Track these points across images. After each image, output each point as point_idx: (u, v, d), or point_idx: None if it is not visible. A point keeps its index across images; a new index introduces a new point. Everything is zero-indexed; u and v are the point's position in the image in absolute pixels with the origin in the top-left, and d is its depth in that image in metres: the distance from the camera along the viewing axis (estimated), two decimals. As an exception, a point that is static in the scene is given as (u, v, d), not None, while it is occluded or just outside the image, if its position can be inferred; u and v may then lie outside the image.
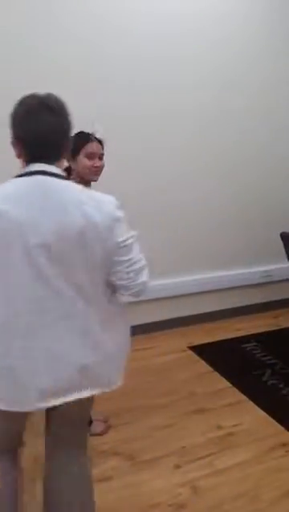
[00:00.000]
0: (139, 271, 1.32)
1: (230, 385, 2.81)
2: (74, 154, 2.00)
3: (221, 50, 3.36)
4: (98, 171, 2.06)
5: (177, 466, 2.12)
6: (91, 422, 2.32)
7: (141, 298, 3.06)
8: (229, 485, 2.01)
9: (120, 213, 1.29)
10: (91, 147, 2.03)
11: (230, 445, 2.27)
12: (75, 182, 2.00)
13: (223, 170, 3.58)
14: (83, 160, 2.02)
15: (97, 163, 2.04)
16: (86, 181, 2.07)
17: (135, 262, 1.32)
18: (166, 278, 3.50)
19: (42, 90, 2.74)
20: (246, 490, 1.97)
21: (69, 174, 2.13)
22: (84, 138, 2.03)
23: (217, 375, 2.94)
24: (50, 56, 2.81)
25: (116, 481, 2.03)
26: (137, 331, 3.43)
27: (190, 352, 3.25)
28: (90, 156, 2.03)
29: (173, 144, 3.33)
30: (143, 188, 3.20)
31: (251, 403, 2.62)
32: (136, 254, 1.33)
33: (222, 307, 3.81)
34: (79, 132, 2.04)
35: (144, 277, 1.33)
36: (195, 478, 2.04)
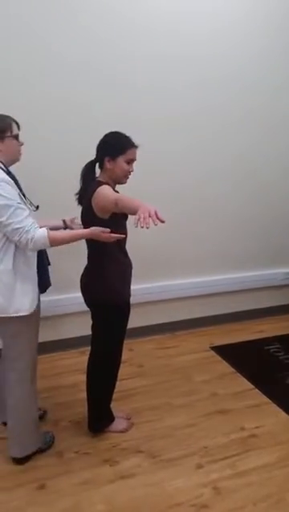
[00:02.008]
0: (11, 232, 1.79)
1: (253, 387, 2.79)
2: (115, 155, 2.01)
3: (242, 50, 3.29)
4: (129, 175, 2.08)
5: (199, 466, 2.12)
6: (111, 419, 2.34)
7: (162, 297, 2.98)
8: (252, 487, 1.99)
9: None
10: (133, 153, 2.04)
11: (253, 447, 2.26)
12: (104, 181, 2.03)
13: (246, 170, 3.54)
14: (122, 164, 2.02)
15: (131, 168, 2.06)
16: (115, 183, 2.09)
17: (6, 225, 1.78)
18: (189, 277, 3.50)
19: (63, 90, 2.75)
20: (269, 493, 1.96)
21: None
22: (129, 143, 2.02)
23: (239, 376, 2.93)
24: (76, 58, 2.83)
25: (138, 479, 2.04)
26: (160, 329, 3.49)
27: (212, 353, 3.24)
28: (129, 162, 2.04)
29: (193, 144, 3.31)
30: (166, 191, 3.21)
31: (274, 405, 2.60)
32: (7, 220, 1.76)
33: (245, 308, 3.79)
34: (120, 134, 2.05)
35: (16, 237, 1.80)
36: (217, 479, 2.04)
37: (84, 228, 2.09)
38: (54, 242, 1.86)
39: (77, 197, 2.15)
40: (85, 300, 2.22)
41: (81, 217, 2.16)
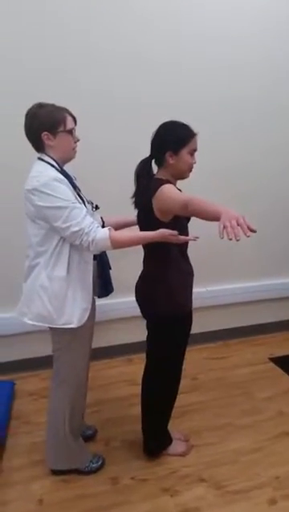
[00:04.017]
0: (71, 236, 1.62)
1: None
2: (178, 148, 1.76)
3: None
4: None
5: (273, 501, 1.87)
6: (169, 441, 2.12)
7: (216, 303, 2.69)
8: None
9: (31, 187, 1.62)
10: (195, 142, 1.79)
11: None
12: (165, 179, 1.79)
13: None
14: (186, 157, 1.78)
15: (194, 159, 1.82)
16: (177, 179, 1.85)
17: (63, 229, 1.60)
18: (245, 281, 3.24)
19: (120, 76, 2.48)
20: None
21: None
22: (190, 132, 1.78)
23: (305, 392, 2.65)
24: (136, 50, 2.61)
25: (204, 515, 1.81)
26: (212, 337, 3.24)
27: (272, 365, 2.97)
28: (192, 153, 1.80)
29: (255, 136, 3.03)
30: (222, 184, 2.95)
31: None
32: (64, 223, 1.59)
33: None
34: (178, 123, 1.80)
35: (77, 241, 1.62)
36: (295, 518, 1.79)
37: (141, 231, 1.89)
38: (117, 244, 1.66)
39: (133, 200, 1.92)
40: (142, 311, 2.00)
41: (138, 219, 1.94)
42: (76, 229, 1.59)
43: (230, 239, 1.24)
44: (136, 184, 1.90)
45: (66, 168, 1.78)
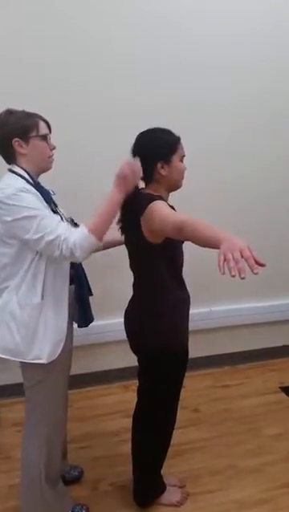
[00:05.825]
0: (47, 247, 1.41)
1: None
2: (168, 157, 1.55)
3: None
4: None
5: None
6: (162, 489, 1.87)
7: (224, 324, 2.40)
8: None
9: None
10: (182, 147, 1.59)
11: None
12: (156, 194, 1.56)
13: None
14: (179, 165, 1.58)
15: (185, 165, 1.61)
16: (171, 190, 1.63)
17: (36, 241, 1.39)
18: (254, 301, 2.97)
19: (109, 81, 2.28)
20: None
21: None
22: (176, 137, 1.58)
23: None
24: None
25: None
26: (218, 361, 2.97)
27: (283, 395, 2.68)
28: (182, 159, 1.60)
29: (238, 143, 2.78)
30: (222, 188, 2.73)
31: None
32: (34, 234, 1.38)
33: None
34: (159, 130, 1.58)
35: (56, 252, 1.41)
36: None
37: (131, 258, 1.68)
38: (99, 232, 1.45)
39: (120, 226, 1.67)
40: (131, 345, 1.76)
41: (125, 241, 1.70)
42: (51, 237, 1.39)
43: (233, 276, 0.99)
44: (121, 206, 1.65)
45: (46, 181, 1.58)
